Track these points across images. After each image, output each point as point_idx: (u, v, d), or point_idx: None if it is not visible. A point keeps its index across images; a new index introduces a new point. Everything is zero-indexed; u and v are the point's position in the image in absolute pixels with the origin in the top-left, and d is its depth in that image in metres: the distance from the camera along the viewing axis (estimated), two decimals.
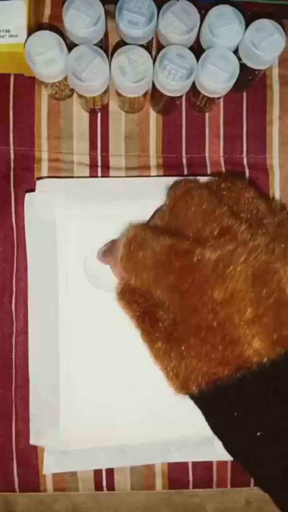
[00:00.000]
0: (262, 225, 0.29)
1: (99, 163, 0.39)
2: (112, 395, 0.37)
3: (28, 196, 0.37)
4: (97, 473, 0.39)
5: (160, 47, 0.34)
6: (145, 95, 0.35)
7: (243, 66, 0.33)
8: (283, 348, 0.25)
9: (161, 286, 0.28)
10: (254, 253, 0.27)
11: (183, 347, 0.27)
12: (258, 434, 0.26)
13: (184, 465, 0.39)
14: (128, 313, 0.30)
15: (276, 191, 0.39)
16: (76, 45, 0.32)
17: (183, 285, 0.27)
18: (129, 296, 0.30)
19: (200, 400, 0.28)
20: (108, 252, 0.35)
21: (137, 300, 0.30)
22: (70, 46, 0.32)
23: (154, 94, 0.36)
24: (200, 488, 0.39)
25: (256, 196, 0.31)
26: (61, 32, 0.33)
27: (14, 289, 0.38)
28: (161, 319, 0.29)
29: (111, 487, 0.39)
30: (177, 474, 0.39)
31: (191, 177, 0.36)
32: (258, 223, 0.29)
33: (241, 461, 0.28)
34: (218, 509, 0.40)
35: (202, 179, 0.37)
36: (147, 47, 0.34)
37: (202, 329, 0.26)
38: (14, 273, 0.38)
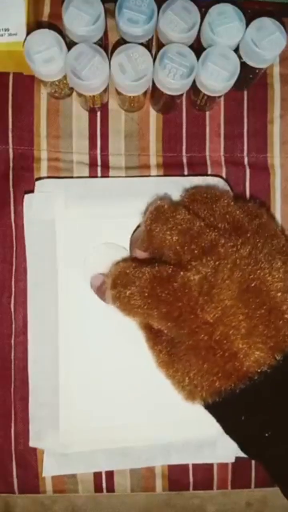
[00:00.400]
0: (242, 233, 0.28)
1: (99, 162, 0.38)
2: (113, 396, 0.36)
3: (27, 198, 0.37)
4: (97, 474, 0.38)
5: (160, 45, 0.33)
6: (145, 93, 0.35)
7: (243, 65, 0.33)
8: (281, 352, 0.26)
9: (154, 318, 0.28)
10: (237, 266, 0.27)
11: (185, 364, 0.27)
12: (267, 435, 0.26)
13: (184, 466, 0.38)
14: (135, 320, 0.31)
15: (277, 191, 0.39)
16: (75, 43, 0.32)
17: (174, 313, 0.27)
18: None
19: (208, 408, 0.28)
20: (101, 290, 0.34)
21: None
22: (70, 44, 0.32)
23: (154, 93, 0.36)
24: (201, 490, 0.39)
25: (230, 202, 0.30)
26: (60, 31, 0.33)
27: (13, 289, 0.38)
28: (164, 334, 0.29)
29: (110, 488, 0.39)
30: (177, 476, 0.39)
31: (162, 196, 0.35)
32: (237, 232, 0.29)
33: (257, 460, 0.28)
34: (218, 511, 0.40)
35: (203, 178, 0.38)
36: (147, 45, 0.34)
37: (200, 349, 0.27)
38: (13, 273, 0.38)
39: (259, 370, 0.26)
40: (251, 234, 0.28)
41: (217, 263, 0.27)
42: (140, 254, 0.32)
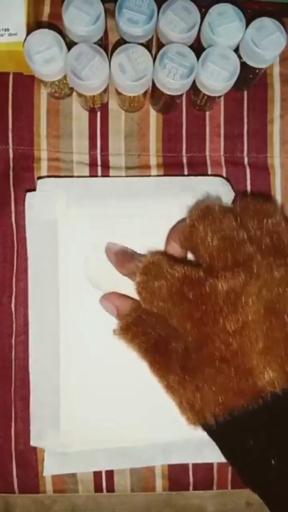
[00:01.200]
0: (281, 257, 0.28)
1: (99, 163, 0.38)
2: (113, 396, 0.36)
3: (28, 196, 0.37)
4: (97, 474, 0.38)
5: (160, 45, 0.33)
6: (145, 93, 0.35)
7: (243, 65, 0.33)
8: None
9: (175, 314, 0.28)
10: (266, 286, 0.27)
11: (198, 378, 0.27)
12: (273, 462, 0.26)
13: (184, 466, 0.38)
14: (134, 347, 0.31)
15: (277, 191, 0.39)
16: (75, 43, 0.32)
17: (196, 314, 0.27)
18: (136, 329, 0.30)
19: (215, 431, 0.28)
20: (123, 260, 0.34)
21: (146, 331, 0.30)
22: (70, 44, 0.32)
23: (154, 93, 0.36)
24: (201, 490, 0.39)
25: (281, 222, 0.30)
26: (60, 31, 0.33)
27: (14, 289, 0.38)
28: (174, 349, 0.29)
29: (110, 488, 0.39)
30: (177, 476, 0.39)
31: (214, 198, 0.36)
32: (277, 253, 0.29)
33: (256, 490, 0.28)
34: (218, 511, 0.40)
35: (204, 178, 0.38)
36: (147, 45, 0.34)
37: (215, 359, 0.27)
38: (14, 273, 0.38)
39: (272, 391, 0.26)
40: None
41: (247, 277, 0.27)
42: (175, 249, 0.32)
